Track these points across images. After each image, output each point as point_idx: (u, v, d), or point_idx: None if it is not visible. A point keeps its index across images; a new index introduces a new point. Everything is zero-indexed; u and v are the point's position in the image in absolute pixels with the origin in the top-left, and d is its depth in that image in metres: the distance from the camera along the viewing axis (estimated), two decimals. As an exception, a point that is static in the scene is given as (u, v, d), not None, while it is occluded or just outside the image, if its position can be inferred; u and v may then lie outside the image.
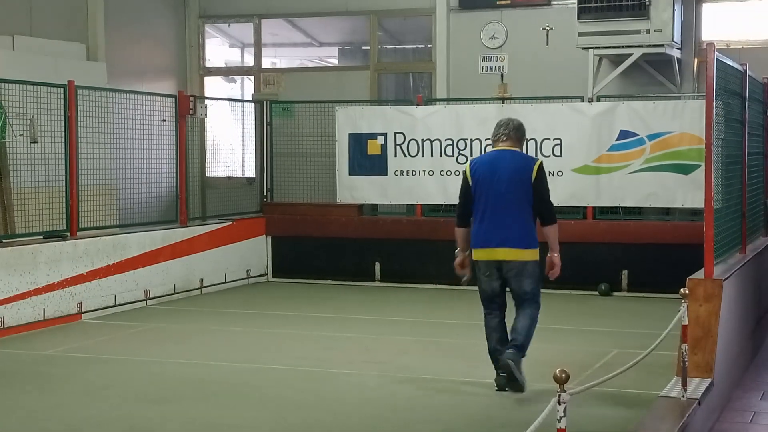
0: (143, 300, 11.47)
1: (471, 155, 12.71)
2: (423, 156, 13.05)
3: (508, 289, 7.36)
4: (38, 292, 10.02)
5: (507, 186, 7.20)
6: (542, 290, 7.45)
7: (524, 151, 7.74)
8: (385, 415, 6.79)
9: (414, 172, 13.12)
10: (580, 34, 12.87)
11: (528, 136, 11.93)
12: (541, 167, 7.28)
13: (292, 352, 8.91)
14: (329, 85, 15.40)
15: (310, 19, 16.01)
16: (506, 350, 7.14)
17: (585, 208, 12.38)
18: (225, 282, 12.92)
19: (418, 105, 13.30)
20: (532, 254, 7.22)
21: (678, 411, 5.96)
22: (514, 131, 7.42)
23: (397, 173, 13.20)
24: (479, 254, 7.30)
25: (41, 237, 10.44)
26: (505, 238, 7.17)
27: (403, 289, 12.81)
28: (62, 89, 10.71)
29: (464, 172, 7.44)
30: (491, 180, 7.24)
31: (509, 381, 7.13)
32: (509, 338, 7.26)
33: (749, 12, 13.61)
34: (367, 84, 15.32)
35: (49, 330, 9.97)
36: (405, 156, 13.15)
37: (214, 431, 6.45)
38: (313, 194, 14.06)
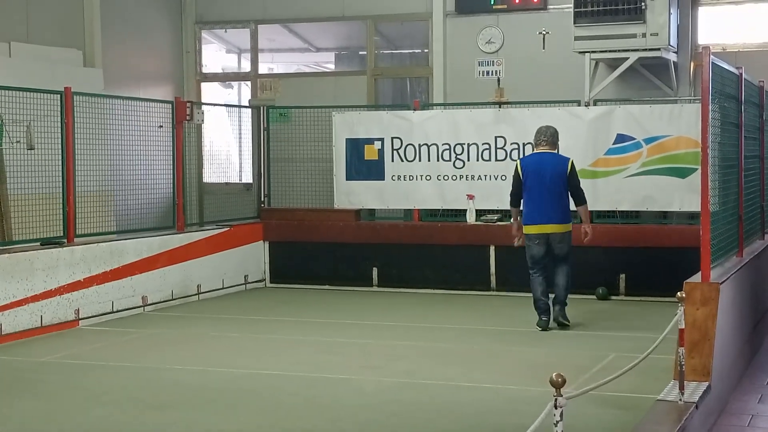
0: (141, 306, 11.47)
1: (468, 160, 12.79)
2: (420, 161, 13.06)
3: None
4: (35, 298, 10.02)
5: (550, 180, 9.85)
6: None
7: (557, 152, 10.15)
8: (382, 420, 6.79)
9: (411, 177, 13.12)
10: (577, 38, 12.86)
11: (525, 140, 12.31)
12: (573, 164, 9.99)
13: (290, 357, 8.91)
14: (326, 90, 15.40)
15: (307, 25, 16.01)
16: (554, 309, 9.96)
17: (582, 211, 12.39)
18: (223, 288, 12.92)
19: (414, 110, 13.30)
20: (569, 227, 10.00)
21: (675, 414, 5.97)
22: (551, 137, 10.03)
23: (394, 178, 13.20)
24: (533, 229, 9.96)
25: (38, 244, 10.43)
26: (552, 217, 9.89)
27: (400, 293, 12.81)
28: (59, 96, 10.72)
29: (516, 168, 10.06)
30: (538, 175, 9.87)
31: (559, 325, 9.98)
32: (555, 292, 10.04)
33: (745, 15, 13.61)
34: (364, 89, 15.32)
35: (47, 337, 9.96)
36: (402, 161, 13.15)
37: (212, 437, 6.46)
38: (310, 199, 14.06)
